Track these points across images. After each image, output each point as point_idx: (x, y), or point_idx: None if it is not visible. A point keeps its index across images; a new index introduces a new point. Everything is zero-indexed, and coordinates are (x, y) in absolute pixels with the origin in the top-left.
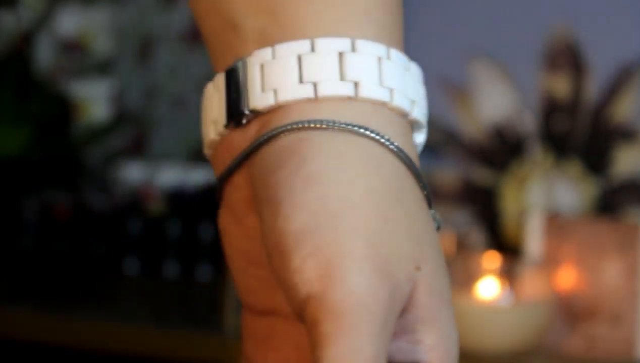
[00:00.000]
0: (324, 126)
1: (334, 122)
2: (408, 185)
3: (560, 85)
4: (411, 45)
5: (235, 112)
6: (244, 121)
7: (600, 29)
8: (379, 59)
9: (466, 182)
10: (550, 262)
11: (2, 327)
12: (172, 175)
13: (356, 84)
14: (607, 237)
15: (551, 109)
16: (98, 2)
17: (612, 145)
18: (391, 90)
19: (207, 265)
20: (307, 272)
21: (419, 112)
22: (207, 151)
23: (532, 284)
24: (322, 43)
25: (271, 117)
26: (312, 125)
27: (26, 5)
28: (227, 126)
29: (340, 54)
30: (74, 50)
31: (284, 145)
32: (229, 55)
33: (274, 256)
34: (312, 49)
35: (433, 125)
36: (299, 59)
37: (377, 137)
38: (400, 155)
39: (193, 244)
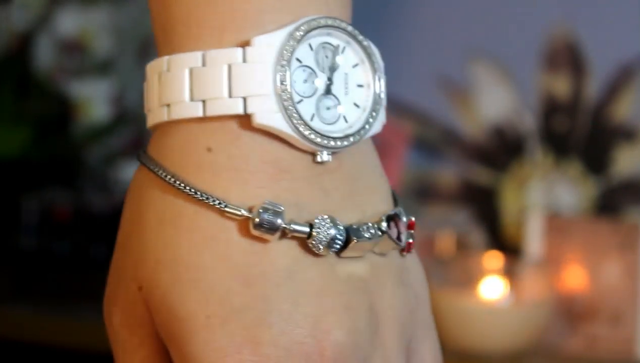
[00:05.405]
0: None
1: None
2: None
3: (560, 85)
4: (411, 45)
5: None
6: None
7: (600, 29)
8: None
9: (466, 182)
10: (550, 262)
11: (2, 327)
12: None
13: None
14: (607, 237)
15: (551, 109)
16: (98, 2)
17: (612, 145)
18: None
19: None
20: None
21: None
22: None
23: (532, 284)
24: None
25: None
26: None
27: (26, 5)
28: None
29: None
30: (74, 50)
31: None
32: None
33: None
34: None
35: (433, 125)
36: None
37: (155, 169)
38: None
39: None
